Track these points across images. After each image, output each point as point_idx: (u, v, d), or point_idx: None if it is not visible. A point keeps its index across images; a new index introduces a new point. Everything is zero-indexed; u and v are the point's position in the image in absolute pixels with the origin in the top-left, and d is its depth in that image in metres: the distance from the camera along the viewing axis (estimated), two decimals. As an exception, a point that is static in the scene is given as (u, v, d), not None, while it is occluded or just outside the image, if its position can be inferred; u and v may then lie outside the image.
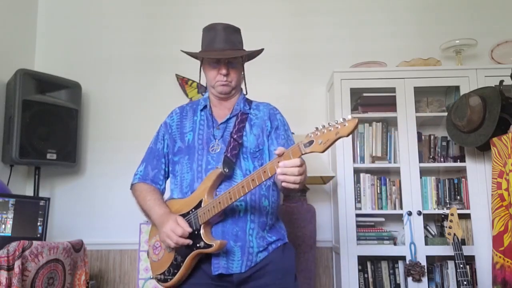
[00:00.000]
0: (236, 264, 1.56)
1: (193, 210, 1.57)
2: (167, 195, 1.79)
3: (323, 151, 1.31)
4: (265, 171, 1.40)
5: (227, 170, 1.57)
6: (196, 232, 1.54)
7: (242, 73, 1.79)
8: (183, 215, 1.57)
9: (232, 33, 1.72)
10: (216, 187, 1.58)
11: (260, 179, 1.42)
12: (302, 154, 1.34)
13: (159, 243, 1.66)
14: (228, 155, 1.60)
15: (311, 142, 1.31)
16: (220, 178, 1.58)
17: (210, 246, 1.50)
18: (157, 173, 1.76)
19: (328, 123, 1.30)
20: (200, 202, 1.55)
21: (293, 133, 1.87)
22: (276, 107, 1.82)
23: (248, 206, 1.60)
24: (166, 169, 1.78)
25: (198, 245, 1.52)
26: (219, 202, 1.50)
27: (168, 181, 1.81)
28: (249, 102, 1.79)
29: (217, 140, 1.67)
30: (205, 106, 1.77)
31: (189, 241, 1.52)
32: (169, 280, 1.60)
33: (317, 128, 1.32)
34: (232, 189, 1.47)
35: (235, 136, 1.64)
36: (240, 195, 1.46)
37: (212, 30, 1.71)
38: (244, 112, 1.73)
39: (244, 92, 1.82)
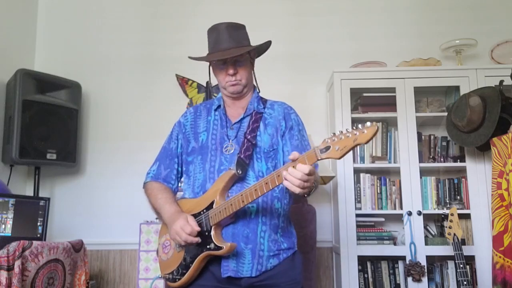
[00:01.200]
0: (246, 268, 1.54)
1: (205, 210, 1.55)
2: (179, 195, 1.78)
3: (340, 158, 1.27)
4: (278, 175, 1.39)
5: (240, 172, 1.55)
6: (206, 233, 1.52)
7: (253, 70, 1.75)
8: (194, 215, 1.56)
9: (236, 30, 1.68)
10: (228, 188, 1.56)
11: (273, 183, 1.40)
12: (318, 160, 1.31)
13: (168, 242, 1.65)
14: (242, 156, 1.58)
15: (327, 148, 1.28)
16: (233, 180, 1.56)
17: (220, 248, 1.48)
18: (170, 172, 1.75)
19: (346, 129, 1.26)
20: (212, 203, 1.54)
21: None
22: (291, 106, 1.78)
23: (260, 208, 1.58)
24: (179, 169, 1.76)
25: (208, 246, 1.51)
26: (231, 204, 1.48)
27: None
28: (263, 101, 1.76)
29: (230, 141, 1.65)
30: (219, 106, 1.75)
31: (198, 239, 1.50)
32: (177, 280, 1.59)
33: (334, 134, 1.28)
34: (245, 192, 1.45)
35: (248, 137, 1.62)
36: (253, 198, 1.44)
37: (215, 31, 1.68)
38: (258, 111, 1.70)
39: (257, 90, 1.79)
